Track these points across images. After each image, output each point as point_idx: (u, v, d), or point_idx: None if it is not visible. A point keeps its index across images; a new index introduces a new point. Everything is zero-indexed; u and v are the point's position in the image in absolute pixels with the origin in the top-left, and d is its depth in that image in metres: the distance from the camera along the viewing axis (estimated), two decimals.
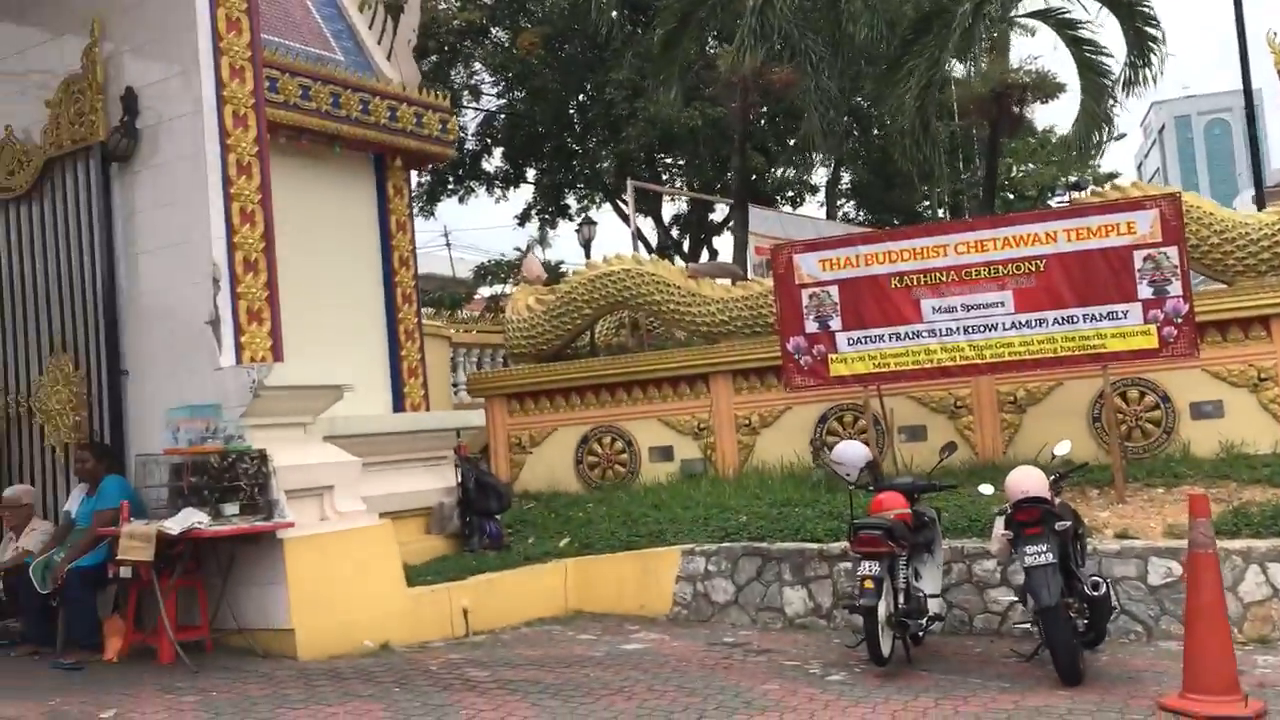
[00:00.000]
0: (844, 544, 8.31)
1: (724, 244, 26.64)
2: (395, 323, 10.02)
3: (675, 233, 26.48)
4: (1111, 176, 36.45)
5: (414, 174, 11.80)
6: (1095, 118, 15.92)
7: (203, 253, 7.71)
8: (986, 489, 7.43)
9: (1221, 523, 7.52)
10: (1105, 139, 16.26)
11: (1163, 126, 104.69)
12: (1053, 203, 32.74)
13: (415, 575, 8.45)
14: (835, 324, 9.53)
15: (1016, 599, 7.58)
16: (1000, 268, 9.05)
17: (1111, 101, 15.57)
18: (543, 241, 31.45)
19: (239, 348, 7.70)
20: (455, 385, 13.19)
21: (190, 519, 6.95)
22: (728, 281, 12.55)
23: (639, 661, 7.10)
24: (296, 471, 7.52)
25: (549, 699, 6.09)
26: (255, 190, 7.91)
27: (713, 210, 26.25)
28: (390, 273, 10.09)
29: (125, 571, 7.14)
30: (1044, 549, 6.24)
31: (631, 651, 7.47)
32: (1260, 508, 7.86)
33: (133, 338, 8.17)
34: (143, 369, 8.12)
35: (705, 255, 25.37)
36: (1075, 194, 29.41)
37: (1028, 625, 6.84)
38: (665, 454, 11.35)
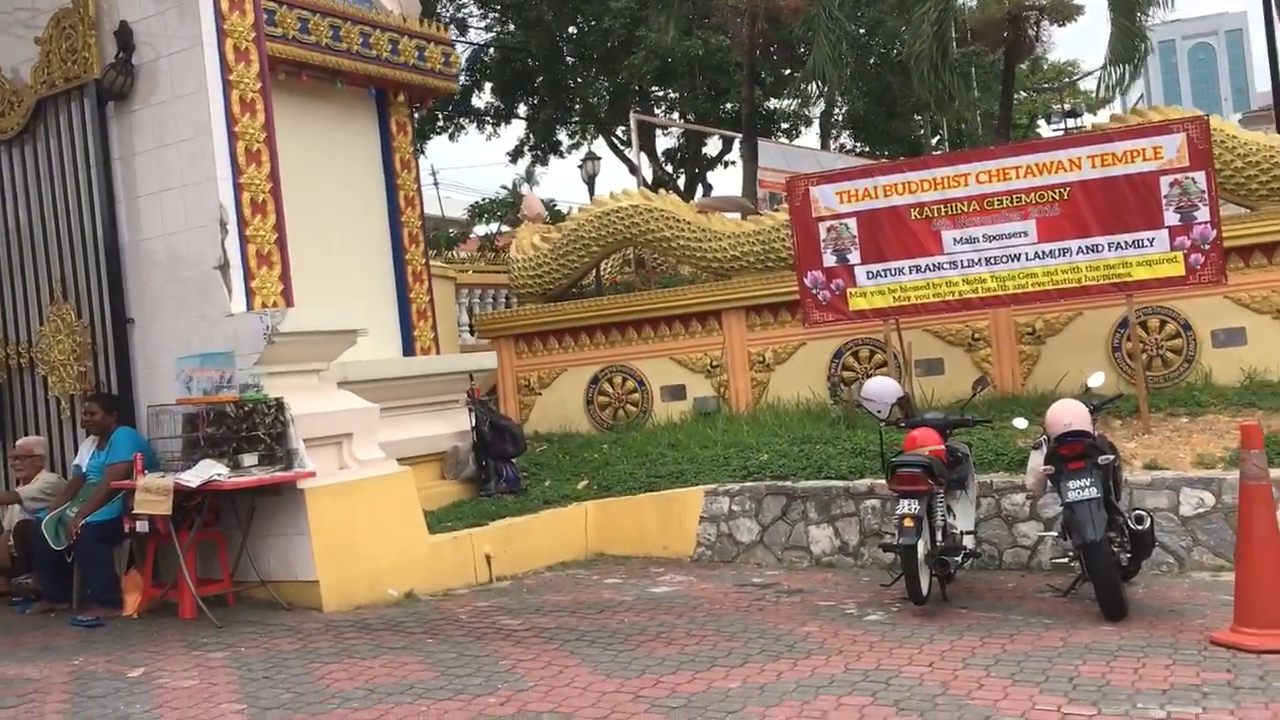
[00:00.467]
0: (870, 481, 8.21)
1: (718, 178, 26.30)
2: (403, 264, 9.74)
3: (669, 168, 26.08)
4: (1104, 103, 36.09)
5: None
6: (1129, 34, 15.43)
7: (208, 194, 7.43)
8: (1021, 423, 7.29)
9: None
10: (1143, 56, 15.78)
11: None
12: (1043, 132, 32.43)
13: (434, 522, 8.30)
14: (854, 257, 9.31)
15: (1045, 533, 7.52)
16: (1023, 196, 8.83)
17: (1142, 16, 15.13)
18: (529, 179, 31.01)
19: (250, 293, 7.45)
20: (460, 327, 12.95)
21: (209, 471, 6.75)
22: (737, 216, 12.29)
23: (671, 605, 6.98)
24: (314, 419, 7.32)
25: (587, 647, 5.96)
26: (260, 128, 7.60)
27: (705, 144, 25.85)
28: (396, 212, 9.78)
29: (142, 525, 6.96)
30: (1087, 483, 6.11)
31: (662, 595, 7.35)
32: None
33: (137, 284, 7.91)
34: (149, 317, 7.86)
35: (700, 190, 25.02)
36: (1071, 121, 29.19)
37: (1065, 560, 6.75)
38: (677, 393, 11.19)
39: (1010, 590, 7.01)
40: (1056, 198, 8.73)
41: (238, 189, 7.48)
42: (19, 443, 8.24)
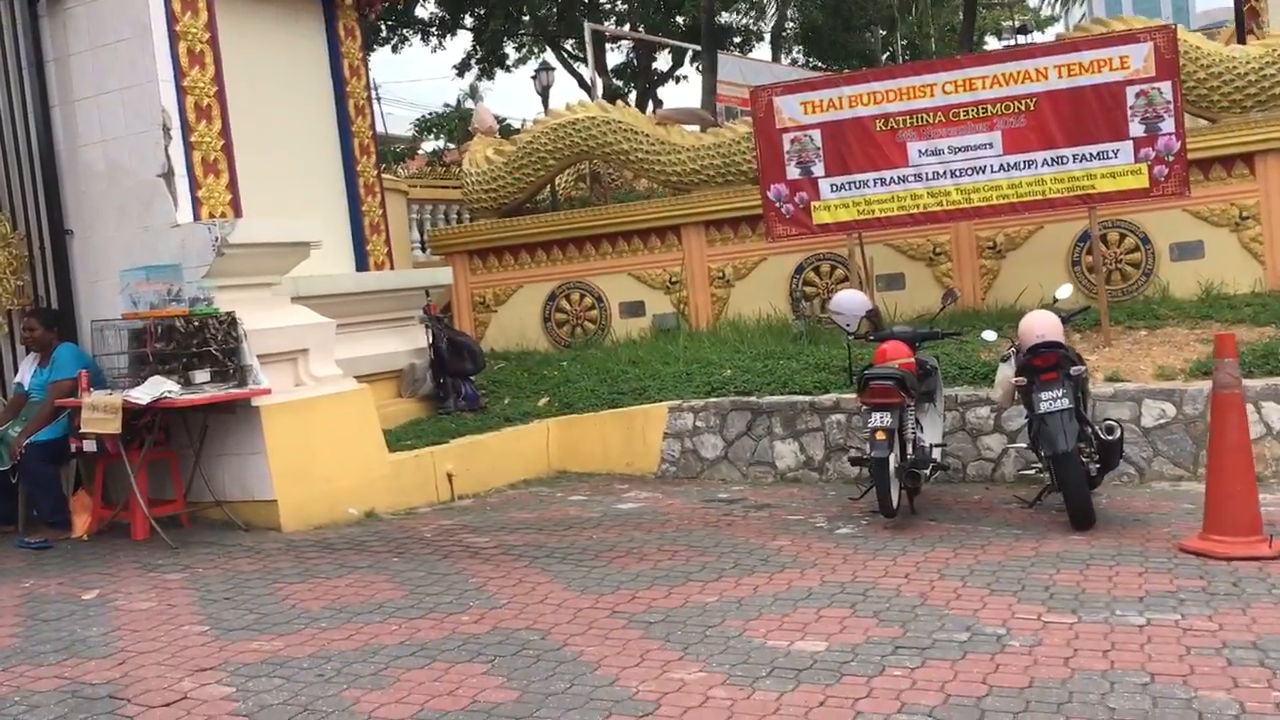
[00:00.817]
0: (835, 396, 8.15)
1: (668, 93, 25.83)
2: (354, 176, 9.35)
3: (619, 83, 25.58)
4: (1051, 20, 35.99)
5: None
6: None
7: (149, 98, 7.05)
8: (990, 335, 7.24)
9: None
10: None
11: None
12: (991, 48, 32.25)
13: (393, 440, 8.10)
14: (818, 170, 9.13)
15: (1011, 445, 7.52)
16: (989, 107, 8.69)
17: None
18: (474, 95, 30.27)
19: (196, 203, 7.13)
20: (412, 243, 12.62)
21: (159, 388, 6.48)
22: (696, 129, 12.03)
23: (639, 521, 6.89)
24: (268, 335, 7.05)
25: (558, 564, 5.86)
26: (203, 28, 7.21)
27: (655, 59, 25.37)
28: (346, 122, 9.36)
29: (89, 445, 6.70)
30: (1060, 394, 6.07)
31: (628, 511, 7.26)
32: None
33: (75, 194, 7.53)
34: (89, 228, 7.50)
35: (650, 106, 24.58)
36: (1022, 38, 29.01)
37: (1031, 471, 6.77)
38: (636, 309, 11.03)
39: (976, 502, 7.02)
40: (1023, 109, 8.60)
41: (180, 92, 7.10)
42: None
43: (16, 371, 7.61)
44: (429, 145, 23.71)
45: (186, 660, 4.56)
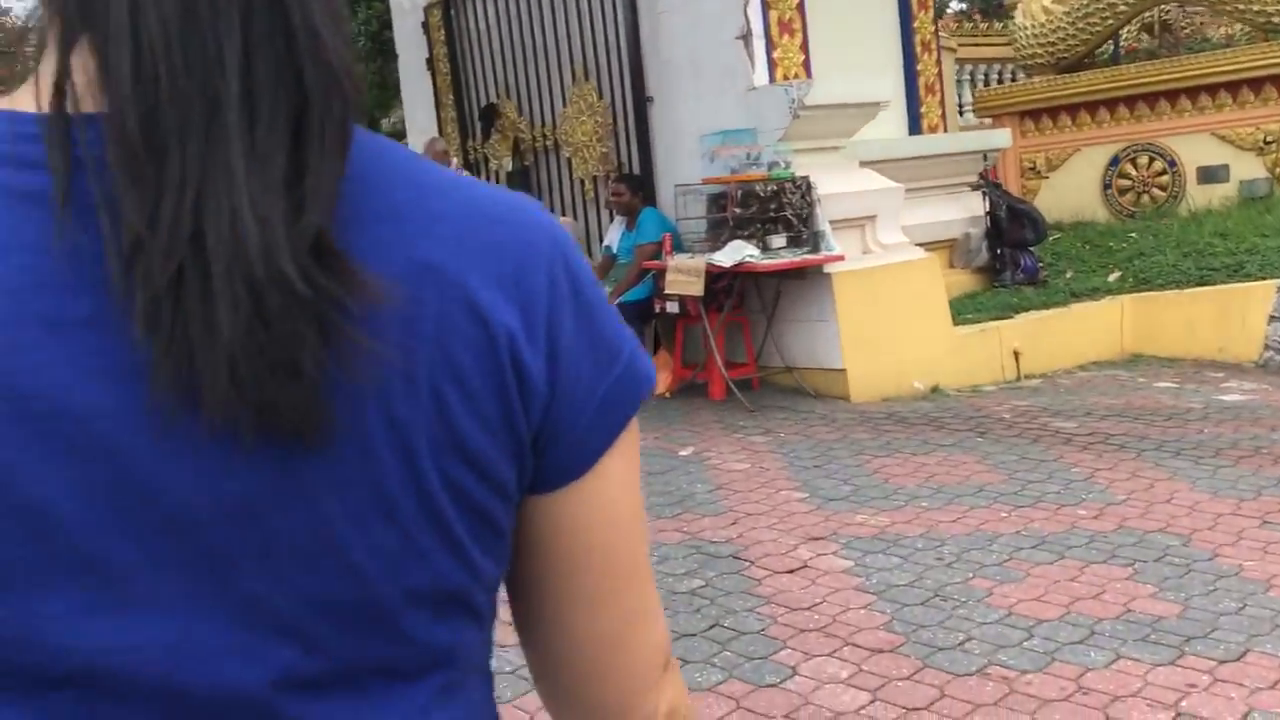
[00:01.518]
0: None
1: None
2: (910, 33, 8.79)
3: None
4: None
5: None
6: None
7: None
8: None
9: None
10: None
11: None
12: None
13: (951, 312, 7.69)
14: None
15: None
16: None
17: None
18: None
19: (771, 64, 7.00)
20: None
21: (741, 252, 6.53)
22: None
23: (1255, 417, 6.00)
24: (839, 200, 6.86)
25: (1171, 459, 5.22)
26: None
27: None
28: None
29: (672, 306, 6.93)
30: None
31: (1235, 404, 6.37)
32: None
33: (655, 60, 7.71)
34: (666, 93, 7.67)
35: None
36: None
37: None
38: (1216, 174, 9.65)
39: None
40: None
41: None
42: None
43: (603, 235, 8.05)
44: (954, 4, 22.34)
45: (796, 527, 4.55)
